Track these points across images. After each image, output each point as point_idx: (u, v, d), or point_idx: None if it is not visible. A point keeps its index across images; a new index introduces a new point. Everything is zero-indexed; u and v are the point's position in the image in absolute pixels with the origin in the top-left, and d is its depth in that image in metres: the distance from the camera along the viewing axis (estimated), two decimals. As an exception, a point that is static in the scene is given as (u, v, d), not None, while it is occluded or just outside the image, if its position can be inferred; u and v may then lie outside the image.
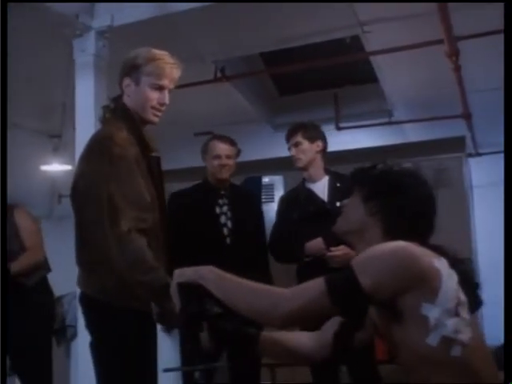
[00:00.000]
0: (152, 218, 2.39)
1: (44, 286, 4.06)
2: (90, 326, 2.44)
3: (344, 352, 1.84)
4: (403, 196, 1.71)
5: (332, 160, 5.59)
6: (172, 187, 5.99)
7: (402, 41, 4.39)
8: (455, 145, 5.87)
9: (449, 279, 1.56)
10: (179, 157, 6.84)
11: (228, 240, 3.58)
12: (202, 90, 5.13)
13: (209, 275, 1.69)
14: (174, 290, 1.72)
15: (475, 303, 1.65)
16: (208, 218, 3.61)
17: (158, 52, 2.48)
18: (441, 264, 1.57)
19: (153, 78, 2.44)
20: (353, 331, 1.77)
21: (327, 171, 3.68)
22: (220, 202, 3.65)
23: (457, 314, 1.53)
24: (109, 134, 2.40)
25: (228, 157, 3.67)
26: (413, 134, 6.24)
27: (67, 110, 4.40)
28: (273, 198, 5.58)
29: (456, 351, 1.52)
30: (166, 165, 6.60)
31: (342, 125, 5.91)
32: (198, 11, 3.99)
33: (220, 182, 3.68)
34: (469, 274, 1.70)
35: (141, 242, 2.26)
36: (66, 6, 3.79)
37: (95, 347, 2.40)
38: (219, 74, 4.97)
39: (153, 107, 2.46)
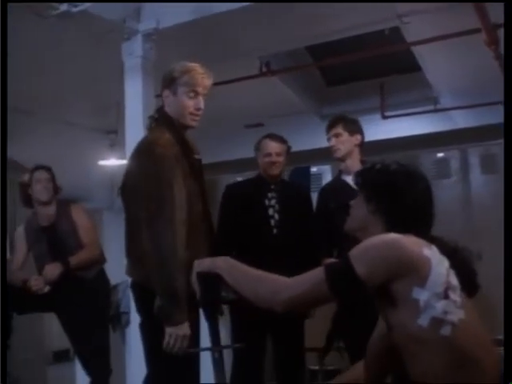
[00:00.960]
0: (193, 209, 2.63)
1: (101, 278, 4.25)
2: (138, 309, 2.76)
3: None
4: (397, 195, 1.86)
5: (381, 147, 5.68)
6: (225, 179, 6.23)
7: (441, 30, 4.44)
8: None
9: (438, 266, 1.70)
10: (231, 148, 7.04)
11: (275, 230, 3.79)
12: (251, 84, 5.34)
13: (223, 265, 1.88)
14: (194, 279, 1.92)
15: (472, 288, 1.79)
16: (257, 210, 3.83)
17: (190, 64, 2.73)
18: (431, 252, 1.72)
19: (187, 88, 2.69)
20: (349, 316, 1.93)
21: (364, 163, 3.77)
22: (269, 195, 3.85)
23: (446, 297, 1.67)
24: (153, 138, 2.70)
25: (278, 154, 3.85)
26: (461, 120, 6.25)
27: (122, 107, 4.64)
28: (321, 187, 5.71)
29: (445, 331, 1.66)
30: (219, 157, 6.83)
31: (387, 113, 5.98)
32: (240, 11, 4.16)
33: (271, 178, 3.87)
34: (467, 261, 1.84)
35: (175, 239, 2.49)
36: (113, 13, 4.02)
37: (143, 328, 2.71)
38: (264, 69, 5.12)
39: (190, 113, 2.71)
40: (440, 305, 1.66)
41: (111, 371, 4.11)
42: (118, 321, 4.28)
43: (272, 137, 3.88)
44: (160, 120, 2.75)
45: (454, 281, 1.72)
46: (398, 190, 1.87)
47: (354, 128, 3.76)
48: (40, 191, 4.16)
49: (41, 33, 4.21)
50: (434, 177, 5.59)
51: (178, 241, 2.49)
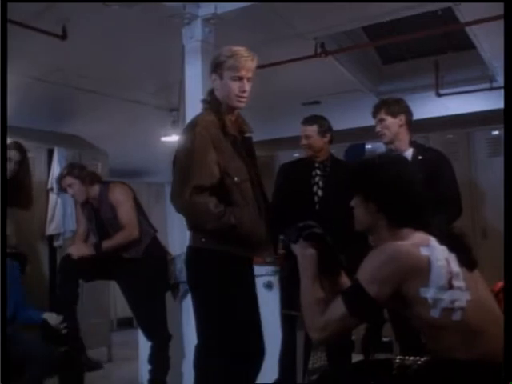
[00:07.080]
0: (241, 186, 2.86)
1: (152, 252, 4.31)
2: (187, 278, 3.03)
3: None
4: (394, 191, 2.03)
5: (436, 125, 5.71)
6: (283, 154, 6.41)
7: (494, 9, 4.45)
8: None
9: (438, 260, 1.89)
10: (289, 125, 7.20)
11: (317, 206, 3.99)
12: (307, 64, 5.49)
13: (301, 261, 2.14)
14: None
15: (471, 264, 1.99)
16: (303, 187, 4.04)
17: (235, 48, 2.87)
18: (429, 249, 1.91)
19: (232, 71, 2.84)
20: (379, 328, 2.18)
21: (412, 144, 3.80)
22: (313, 173, 4.04)
23: (451, 287, 1.87)
24: (197, 118, 2.92)
25: (307, 137, 4.01)
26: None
27: (183, 86, 4.86)
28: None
29: (456, 316, 1.87)
30: (278, 133, 6.98)
31: (442, 91, 6.02)
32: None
33: (313, 157, 4.05)
34: (463, 242, 2.03)
35: (202, 200, 2.74)
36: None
37: (193, 298, 2.96)
38: (319, 50, 5.26)
39: (236, 95, 2.87)
40: (447, 296, 1.87)
41: (171, 336, 4.26)
42: (178, 290, 4.44)
43: (304, 120, 4.04)
44: (210, 103, 2.94)
45: (455, 267, 1.91)
46: (394, 185, 2.03)
47: (397, 109, 3.74)
48: (74, 196, 4.33)
49: (107, 18, 4.47)
50: (488, 154, 5.63)
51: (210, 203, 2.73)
